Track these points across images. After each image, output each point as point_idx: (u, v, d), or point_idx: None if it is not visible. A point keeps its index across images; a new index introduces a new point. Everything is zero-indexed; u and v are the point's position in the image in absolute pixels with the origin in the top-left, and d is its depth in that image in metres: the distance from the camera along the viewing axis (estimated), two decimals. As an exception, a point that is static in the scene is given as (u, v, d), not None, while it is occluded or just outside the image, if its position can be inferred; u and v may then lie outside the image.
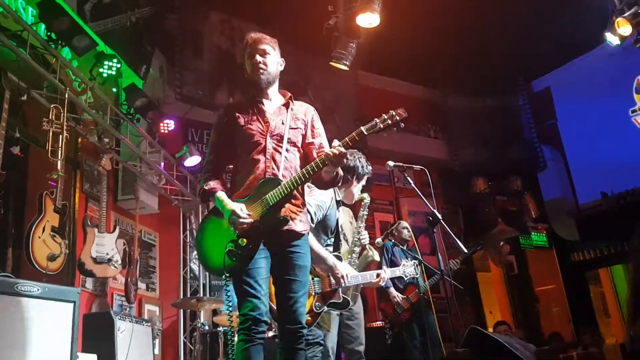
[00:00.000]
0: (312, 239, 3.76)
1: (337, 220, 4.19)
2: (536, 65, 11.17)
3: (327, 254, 3.86)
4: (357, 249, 4.63)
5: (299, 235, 3.16)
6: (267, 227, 3.05)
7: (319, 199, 3.91)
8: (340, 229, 4.66)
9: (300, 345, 3.02)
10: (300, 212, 3.22)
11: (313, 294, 3.80)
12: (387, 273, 4.41)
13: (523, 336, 10.01)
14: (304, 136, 3.36)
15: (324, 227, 3.99)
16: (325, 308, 3.85)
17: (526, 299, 11.44)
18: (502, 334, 8.21)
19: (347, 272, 3.88)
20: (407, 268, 4.62)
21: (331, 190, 4.06)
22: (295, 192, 3.15)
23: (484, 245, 7.64)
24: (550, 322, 11.20)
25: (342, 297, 3.94)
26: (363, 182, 4.34)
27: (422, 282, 6.34)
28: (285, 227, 3.08)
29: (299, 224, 3.17)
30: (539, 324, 11.20)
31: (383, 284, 4.39)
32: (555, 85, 11.68)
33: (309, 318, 3.70)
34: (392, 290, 6.65)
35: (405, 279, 4.76)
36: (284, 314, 3.08)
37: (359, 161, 4.29)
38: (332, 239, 4.17)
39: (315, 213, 3.85)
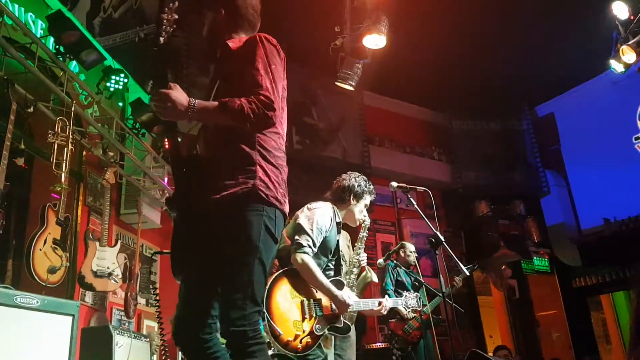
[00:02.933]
0: (315, 268, 3.74)
1: (338, 242, 4.16)
2: (541, 90, 11.23)
3: (330, 286, 3.80)
4: (355, 270, 4.61)
5: None
6: None
7: (319, 223, 3.87)
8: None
9: None
10: None
11: (314, 315, 3.75)
12: (389, 302, 4.34)
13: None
14: None
15: (322, 249, 3.93)
16: (326, 332, 3.80)
17: (527, 323, 11.37)
18: (502, 359, 8.17)
19: (351, 302, 3.82)
20: (410, 300, 4.56)
21: (331, 211, 4.05)
22: None
23: (480, 266, 7.60)
24: (550, 348, 11.12)
25: (344, 322, 3.88)
26: (365, 202, 4.26)
27: (426, 301, 6.35)
28: None
29: None
30: (539, 349, 11.11)
31: (384, 312, 4.33)
32: (559, 110, 11.75)
33: (309, 340, 3.66)
34: (402, 308, 6.60)
35: (406, 311, 4.70)
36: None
37: (355, 180, 4.23)
38: (333, 262, 4.14)
39: (316, 237, 3.82)
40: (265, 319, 3.41)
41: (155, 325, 7.43)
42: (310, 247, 3.75)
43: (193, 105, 2.43)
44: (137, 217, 6.98)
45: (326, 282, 3.79)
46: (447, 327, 4.61)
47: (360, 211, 4.25)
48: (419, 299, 4.61)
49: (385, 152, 10.70)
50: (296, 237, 3.79)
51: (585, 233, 11.06)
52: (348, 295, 3.87)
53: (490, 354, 9.55)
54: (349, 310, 3.82)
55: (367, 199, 4.26)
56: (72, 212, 6.19)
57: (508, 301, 11.63)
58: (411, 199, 4.33)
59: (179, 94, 2.44)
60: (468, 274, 4.69)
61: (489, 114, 11.82)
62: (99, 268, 5.85)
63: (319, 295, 3.82)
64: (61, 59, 5.44)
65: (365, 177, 4.31)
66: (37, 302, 3.86)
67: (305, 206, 4.03)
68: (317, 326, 3.72)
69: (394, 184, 4.30)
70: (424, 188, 4.40)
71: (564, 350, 10.85)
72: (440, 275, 4.35)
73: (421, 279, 6.29)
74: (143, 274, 7.45)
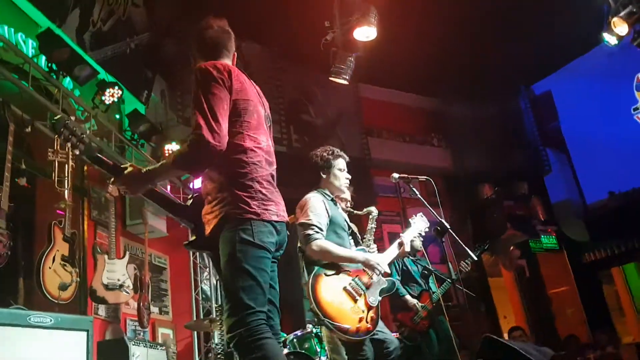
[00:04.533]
0: (332, 246, 3.82)
1: (344, 218, 4.20)
2: (536, 69, 11.21)
3: (354, 253, 3.94)
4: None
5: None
6: None
7: (313, 208, 3.93)
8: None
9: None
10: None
11: (362, 292, 3.83)
12: (405, 237, 4.33)
13: (536, 341, 9.97)
14: None
15: (338, 228, 4.03)
16: (379, 297, 3.89)
17: (539, 302, 11.38)
18: (517, 340, 8.17)
19: (379, 260, 3.92)
20: (418, 223, 4.54)
21: (317, 194, 4.09)
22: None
23: (490, 246, 7.59)
24: (565, 324, 11.13)
25: (386, 280, 3.98)
26: (337, 167, 4.20)
27: (435, 288, 6.33)
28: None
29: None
30: (553, 327, 11.12)
31: (409, 250, 4.36)
32: (556, 87, 11.72)
33: (373, 315, 3.76)
34: (409, 297, 6.60)
35: (423, 235, 4.64)
36: None
37: (316, 156, 4.23)
38: (351, 238, 4.19)
39: (318, 221, 3.87)
40: (329, 324, 3.55)
41: (170, 332, 7.50)
42: (317, 232, 3.82)
43: (145, 173, 2.73)
44: (143, 227, 7.01)
45: (349, 252, 3.92)
46: (460, 312, 4.62)
47: (336, 178, 4.20)
48: (422, 216, 4.59)
49: (384, 143, 10.71)
50: (301, 233, 3.86)
51: (591, 207, 11.05)
52: (378, 256, 4.01)
53: (505, 334, 9.58)
54: (379, 267, 3.88)
55: (337, 163, 4.21)
56: (78, 227, 6.21)
57: (519, 281, 11.64)
58: (414, 189, 4.35)
59: (132, 173, 2.74)
60: (476, 258, 4.69)
61: (486, 97, 11.78)
62: (109, 281, 5.87)
63: (352, 272, 3.90)
64: (54, 76, 5.45)
65: (327, 148, 4.28)
66: (51, 320, 3.89)
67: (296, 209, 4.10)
68: (370, 299, 3.82)
69: (396, 175, 4.32)
70: (425, 177, 4.40)
71: (579, 326, 10.86)
72: (449, 262, 4.36)
73: (430, 267, 6.29)
74: (154, 283, 7.48)
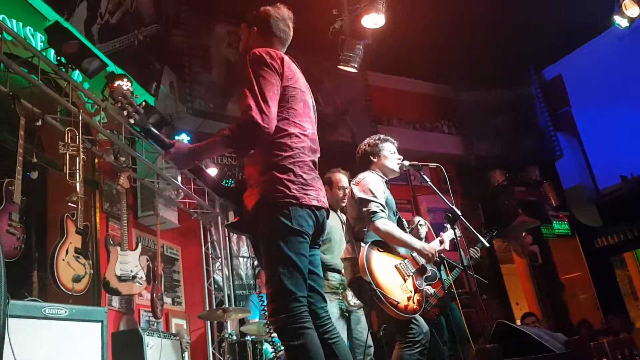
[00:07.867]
0: (396, 228, 3.92)
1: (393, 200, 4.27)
2: (546, 53, 11.10)
3: (413, 239, 4.00)
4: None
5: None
6: None
7: (375, 187, 3.99)
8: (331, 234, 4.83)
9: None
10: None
11: (410, 274, 3.92)
12: (446, 237, 4.45)
13: (549, 326, 9.95)
14: None
15: (389, 209, 4.07)
16: (424, 284, 3.99)
17: (552, 288, 11.35)
18: (530, 326, 8.16)
19: (434, 249, 4.01)
20: (449, 232, 4.55)
21: (375, 175, 4.15)
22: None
23: (501, 231, 7.53)
24: (578, 310, 11.10)
25: (430, 270, 4.14)
26: (387, 150, 4.27)
27: (445, 276, 6.31)
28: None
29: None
30: (567, 313, 11.10)
31: (448, 248, 4.45)
32: (566, 71, 11.60)
33: (419, 297, 3.84)
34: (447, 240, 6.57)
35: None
36: None
37: (364, 144, 4.33)
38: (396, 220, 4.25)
39: (382, 199, 3.95)
40: (380, 295, 3.63)
41: (183, 322, 7.54)
42: (382, 210, 3.89)
43: (192, 149, 2.85)
44: (154, 219, 7.04)
45: (410, 239, 4.00)
46: (472, 299, 4.61)
47: (388, 159, 4.26)
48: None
49: (394, 130, 10.65)
50: (364, 208, 3.91)
51: (604, 192, 10.97)
52: (432, 245, 4.12)
53: (518, 321, 9.57)
54: (435, 256, 3.99)
55: (387, 147, 4.30)
56: (90, 220, 6.25)
57: (531, 267, 11.60)
58: (424, 176, 4.34)
59: (180, 148, 2.87)
60: (487, 245, 4.68)
61: (496, 82, 11.72)
62: (122, 272, 5.91)
63: (402, 253, 3.99)
64: (63, 69, 5.46)
65: (373, 136, 4.41)
66: (66, 311, 3.92)
67: (351, 184, 4.17)
68: (417, 282, 3.92)
69: (406, 162, 4.30)
70: (435, 164, 4.39)
71: (592, 311, 10.83)
72: (460, 249, 4.35)
73: (441, 254, 6.27)
74: (166, 273, 7.52)
